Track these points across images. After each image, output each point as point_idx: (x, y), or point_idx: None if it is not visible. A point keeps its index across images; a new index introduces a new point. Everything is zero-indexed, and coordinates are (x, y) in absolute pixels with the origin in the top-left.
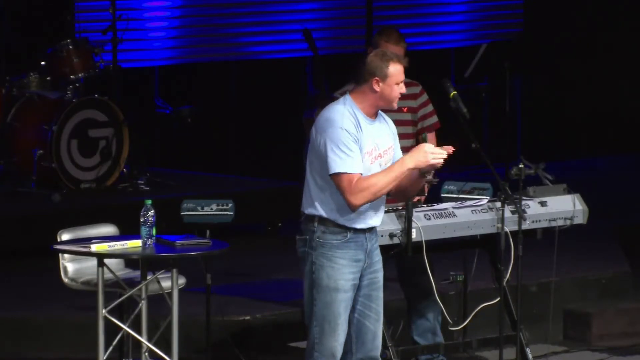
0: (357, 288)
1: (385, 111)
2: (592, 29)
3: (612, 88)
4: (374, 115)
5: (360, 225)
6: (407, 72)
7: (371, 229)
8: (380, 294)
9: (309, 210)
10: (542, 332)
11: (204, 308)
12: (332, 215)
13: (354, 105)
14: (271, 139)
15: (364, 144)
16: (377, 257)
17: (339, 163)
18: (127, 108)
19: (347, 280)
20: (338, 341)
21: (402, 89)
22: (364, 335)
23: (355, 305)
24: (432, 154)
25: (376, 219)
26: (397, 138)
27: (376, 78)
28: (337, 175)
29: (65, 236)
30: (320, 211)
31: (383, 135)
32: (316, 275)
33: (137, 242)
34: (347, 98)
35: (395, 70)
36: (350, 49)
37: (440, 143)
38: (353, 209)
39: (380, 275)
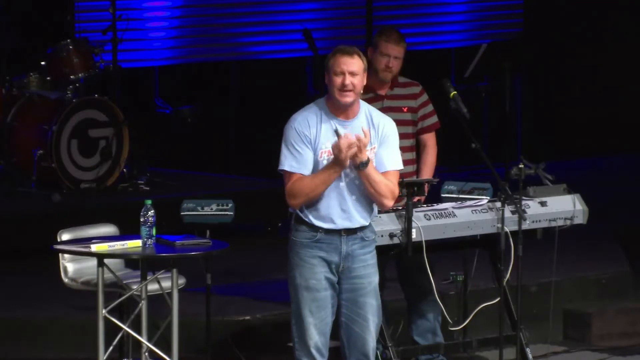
0: (339, 291)
1: (387, 110)
2: (593, 29)
3: (612, 88)
4: (346, 115)
5: (327, 226)
6: (407, 72)
7: (348, 232)
8: (370, 300)
9: (290, 209)
10: (542, 332)
11: (204, 308)
12: (303, 213)
13: (324, 105)
14: (271, 139)
15: (320, 142)
16: (363, 262)
17: (282, 160)
18: (127, 108)
19: (319, 280)
20: (313, 339)
21: (347, 80)
22: (354, 340)
23: (341, 309)
24: (337, 150)
25: (347, 222)
26: (386, 140)
27: (326, 72)
28: (282, 172)
29: (65, 236)
30: (295, 209)
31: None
32: (291, 274)
33: (137, 242)
34: (322, 98)
35: (334, 60)
36: None
37: (440, 143)
38: (292, 208)
39: (367, 281)
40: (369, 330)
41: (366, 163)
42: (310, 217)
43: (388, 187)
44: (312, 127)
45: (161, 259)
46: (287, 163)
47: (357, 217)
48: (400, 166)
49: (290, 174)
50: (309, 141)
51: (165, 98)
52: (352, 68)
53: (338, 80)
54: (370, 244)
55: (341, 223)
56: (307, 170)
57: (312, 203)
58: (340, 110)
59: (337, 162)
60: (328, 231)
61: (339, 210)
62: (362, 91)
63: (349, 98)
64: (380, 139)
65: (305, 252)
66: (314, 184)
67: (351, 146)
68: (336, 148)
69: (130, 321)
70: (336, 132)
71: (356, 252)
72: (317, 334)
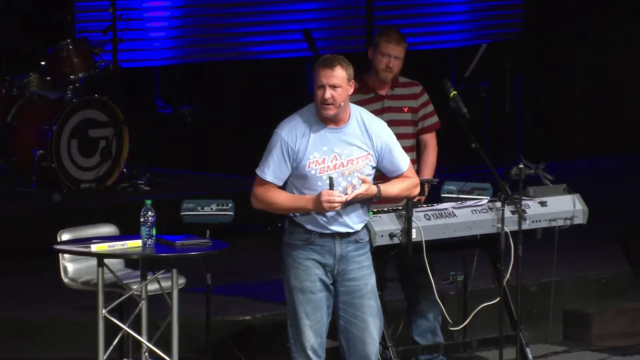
0: (336, 294)
1: (387, 110)
2: (593, 29)
3: (612, 88)
4: (335, 122)
5: (320, 230)
6: (408, 72)
7: (342, 235)
8: (367, 301)
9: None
10: (542, 332)
11: (204, 308)
12: (296, 217)
13: (313, 113)
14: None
15: (307, 153)
16: (358, 265)
17: (260, 163)
18: (127, 108)
19: (314, 282)
20: (309, 341)
21: (327, 94)
22: (353, 342)
23: (338, 312)
24: (328, 202)
25: (341, 227)
26: (387, 148)
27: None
28: (256, 173)
29: (65, 236)
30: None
31: (350, 144)
32: (286, 276)
33: (137, 242)
34: (312, 104)
35: (316, 72)
36: (350, 49)
37: (440, 143)
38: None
39: (363, 283)
40: (369, 332)
41: (378, 195)
42: (304, 221)
43: (408, 187)
44: (299, 138)
45: (161, 259)
46: (261, 168)
47: (351, 223)
48: (408, 158)
49: (261, 179)
50: (293, 153)
51: (165, 98)
52: (332, 81)
53: (319, 93)
54: (365, 246)
55: (335, 228)
56: (278, 180)
57: None
58: (328, 120)
59: (317, 205)
60: (322, 234)
61: (332, 218)
62: (347, 100)
63: (330, 111)
64: (379, 150)
65: (299, 254)
66: (280, 204)
67: (340, 201)
68: (326, 200)
69: (130, 321)
70: (330, 179)
71: (350, 254)
72: (313, 336)
